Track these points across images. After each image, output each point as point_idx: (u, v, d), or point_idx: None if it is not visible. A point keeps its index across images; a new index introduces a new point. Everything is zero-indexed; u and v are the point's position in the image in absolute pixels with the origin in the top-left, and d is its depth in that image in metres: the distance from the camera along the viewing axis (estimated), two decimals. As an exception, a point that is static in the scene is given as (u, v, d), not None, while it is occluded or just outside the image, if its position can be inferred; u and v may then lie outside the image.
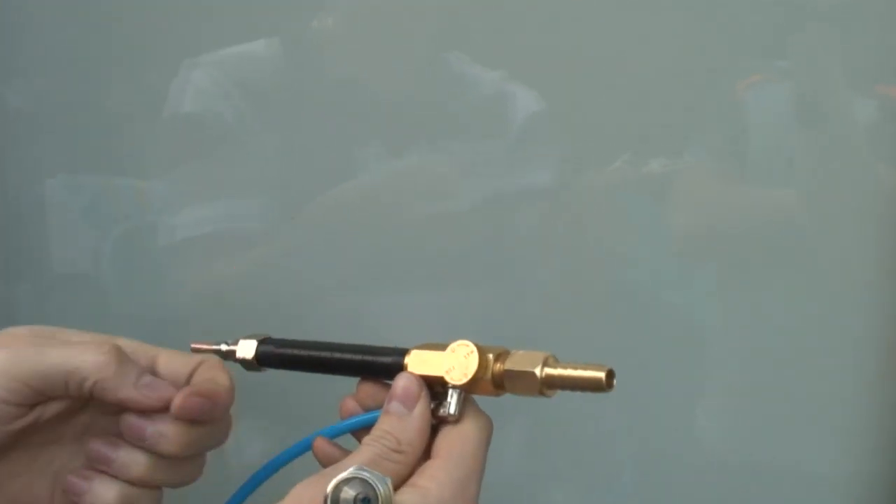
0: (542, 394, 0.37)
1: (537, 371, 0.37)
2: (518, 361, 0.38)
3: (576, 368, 0.36)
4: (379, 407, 0.38)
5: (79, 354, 0.37)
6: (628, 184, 0.56)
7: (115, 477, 0.38)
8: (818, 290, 0.56)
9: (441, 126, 0.56)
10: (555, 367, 0.37)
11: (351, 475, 0.32)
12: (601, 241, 0.58)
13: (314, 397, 0.60)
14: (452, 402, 0.37)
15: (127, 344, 0.39)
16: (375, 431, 0.36)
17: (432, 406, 0.38)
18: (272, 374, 0.61)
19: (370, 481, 0.32)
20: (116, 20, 0.56)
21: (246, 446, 0.62)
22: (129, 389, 0.37)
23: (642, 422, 0.59)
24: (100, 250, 0.60)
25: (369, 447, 0.35)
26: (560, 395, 0.59)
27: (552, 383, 0.37)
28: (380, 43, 0.55)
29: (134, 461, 0.38)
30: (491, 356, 0.38)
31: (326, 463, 0.39)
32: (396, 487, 0.34)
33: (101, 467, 0.38)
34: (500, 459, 0.62)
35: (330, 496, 0.32)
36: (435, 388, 0.38)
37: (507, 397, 0.61)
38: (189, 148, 0.56)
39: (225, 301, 0.60)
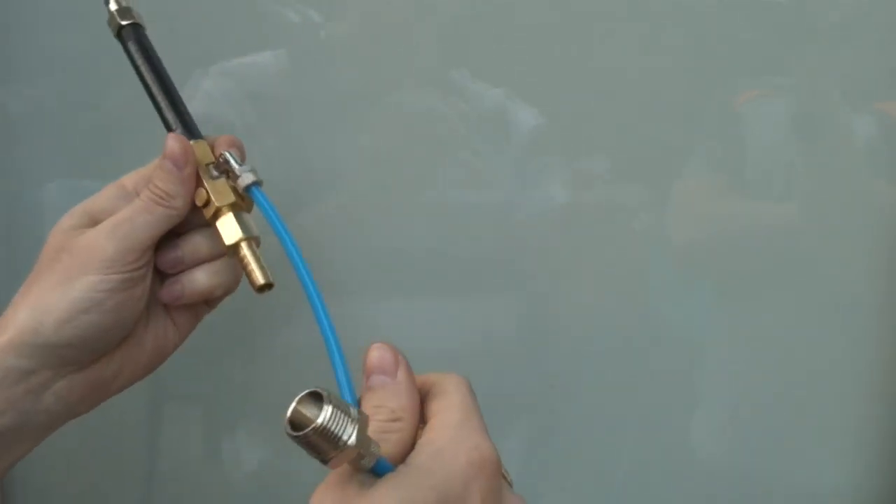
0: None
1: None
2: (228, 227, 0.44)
3: (256, 260, 0.44)
4: None
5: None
6: (627, 197, 0.57)
7: (192, 266, 0.46)
8: (817, 304, 0.56)
9: (444, 139, 0.56)
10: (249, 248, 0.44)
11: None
12: (600, 254, 0.58)
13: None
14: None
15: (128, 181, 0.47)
16: (366, 409, 0.36)
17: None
18: (271, 383, 0.62)
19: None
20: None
21: (244, 455, 0.62)
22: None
23: (640, 434, 0.60)
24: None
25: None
26: (558, 403, 0.59)
27: (237, 252, 0.44)
28: (385, 57, 0.55)
29: (197, 241, 0.45)
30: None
31: None
32: (406, 451, 0.34)
33: (175, 269, 0.46)
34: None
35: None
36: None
37: (503, 407, 0.62)
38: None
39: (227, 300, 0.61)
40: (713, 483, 0.60)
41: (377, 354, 0.37)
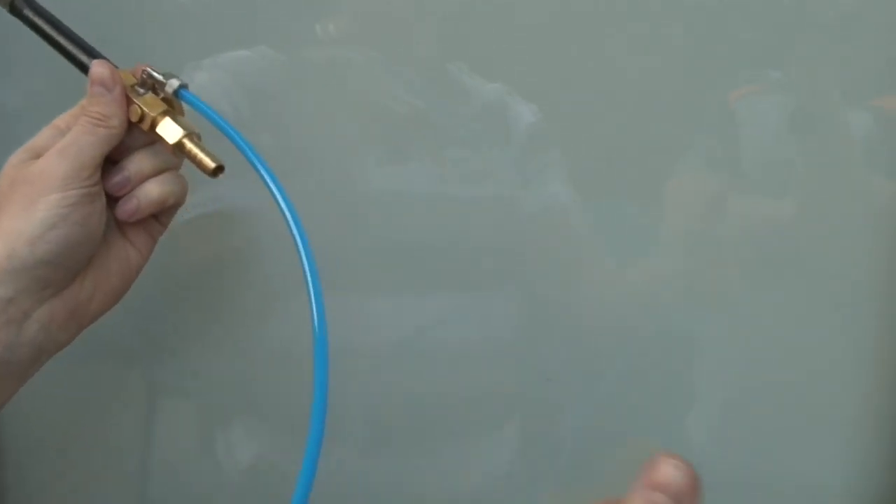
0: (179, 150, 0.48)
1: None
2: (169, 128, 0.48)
3: (202, 150, 0.48)
4: None
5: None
6: (623, 193, 0.57)
7: (139, 183, 0.49)
8: (813, 300, 0.56)
9: (441, 134, 0.56)
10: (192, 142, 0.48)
11: None
12: (596, 250, 0.58)
13: (308, 400, 0.61)
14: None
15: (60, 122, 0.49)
16: None
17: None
18: (264, 378, 0.62)
19: None
20: (116, 21, 0.56)
21: (238, 448, 0.62)
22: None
23: (637, 430, 0.59)
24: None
25: None
26: (555, 398, 0.59)
27: (182, 149, 0.48)
28: (382, 50, 0.56)
29: (139, 159, 0.49)
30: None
31: None
32: None
33: (124, 190, 0.49)
34: (491, 466, 0.62)
35: None
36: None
37: (500, 402, 0.62)
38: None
39: (225, 292, 0.61)
40: (710, 479, 0.59)
41: (685, 479, 0.32)
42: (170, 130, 0.48)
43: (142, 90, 0.49)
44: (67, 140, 0.46)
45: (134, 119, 0.48)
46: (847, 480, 0.59)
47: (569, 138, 0.56)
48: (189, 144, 0.48)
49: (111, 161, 0.48)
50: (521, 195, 0.57)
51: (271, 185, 0.44)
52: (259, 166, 0.45)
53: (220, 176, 0.47)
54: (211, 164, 0.47)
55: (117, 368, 0.64)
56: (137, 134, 0.49)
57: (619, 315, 0.59)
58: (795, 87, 0.54)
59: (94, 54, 0.50)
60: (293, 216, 0.43)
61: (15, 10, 0.50)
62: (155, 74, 0.48)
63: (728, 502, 0.59)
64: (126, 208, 0.49)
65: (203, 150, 0.48)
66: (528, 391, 0.60)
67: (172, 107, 0.49)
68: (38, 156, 0.47)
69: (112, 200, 0.49)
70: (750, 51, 0.54)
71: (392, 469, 0.61)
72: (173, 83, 0.48)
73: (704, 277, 0.58)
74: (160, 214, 0.51)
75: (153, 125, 0.48)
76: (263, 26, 0.56)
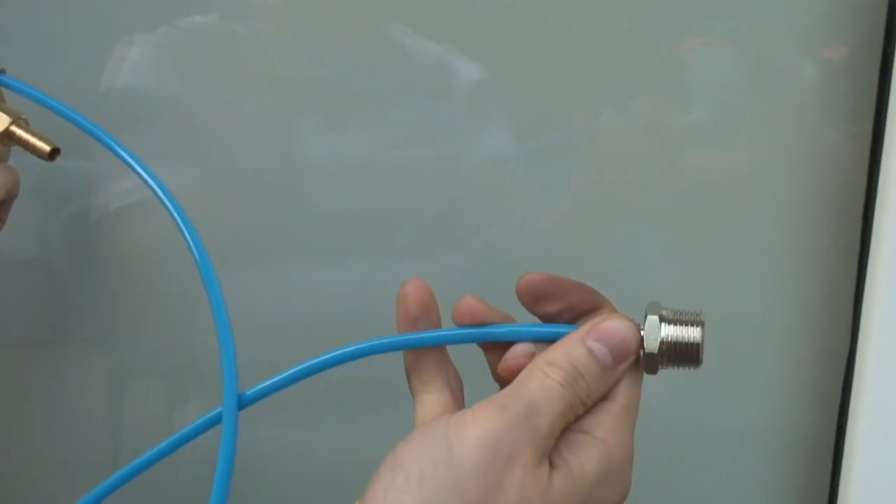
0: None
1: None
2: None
3: (33, 135, 0.45)
4: None
5: None
6: (572, 149, 0.56)
7: None
8: (760, 249, 0.57)
9: (382, 97, 0.56)
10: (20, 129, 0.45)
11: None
12: (544, 207, 0.58)
13: (267, 372, 0.60)
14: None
15: None
16: (569, 369, 0.32)
17: None
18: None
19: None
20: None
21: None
22: None
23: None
24: (48, 233, 0.60)
25: (561, 388, 0.31)
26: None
27: (12, 137, 0.45)
28: (321, 15, 0.55)
29: None
30: None
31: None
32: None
33: None
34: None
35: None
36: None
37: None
38: (126, 123, 0.55)
39: (177, 271, 0.60)
40: (645, 423, 0.59)
41: (626, 333, 0.33)
42: None
43: None
44: None
45: None
46: (768, 425, 0.60)
47: (514, 95, 0.56)
48: (18, 132, 0.45)
49: None
50: (465, 154, 0.56)
51: (127, 157, 0.42)
52: (107, 140, 0.42)
53: (58, 158, 0.45)
54: (46, 148, 0.45)
55: (80, 353, 0.64)
56: None
57: (567, 270, 0.59)
58: (744, 40, 0.54)
59: None
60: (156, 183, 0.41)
61: None
62: None
63: (653, 447, 0.60)
64: None
65: (35, 134, 0.45)
66: (480, 357, 0.60)
67: None
68: None
69: None
70: (698, 3, 0.53)
71: (336, 439, 0.61)
72: None
73: (654, 229, 0.58)
74: None
75: None
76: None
